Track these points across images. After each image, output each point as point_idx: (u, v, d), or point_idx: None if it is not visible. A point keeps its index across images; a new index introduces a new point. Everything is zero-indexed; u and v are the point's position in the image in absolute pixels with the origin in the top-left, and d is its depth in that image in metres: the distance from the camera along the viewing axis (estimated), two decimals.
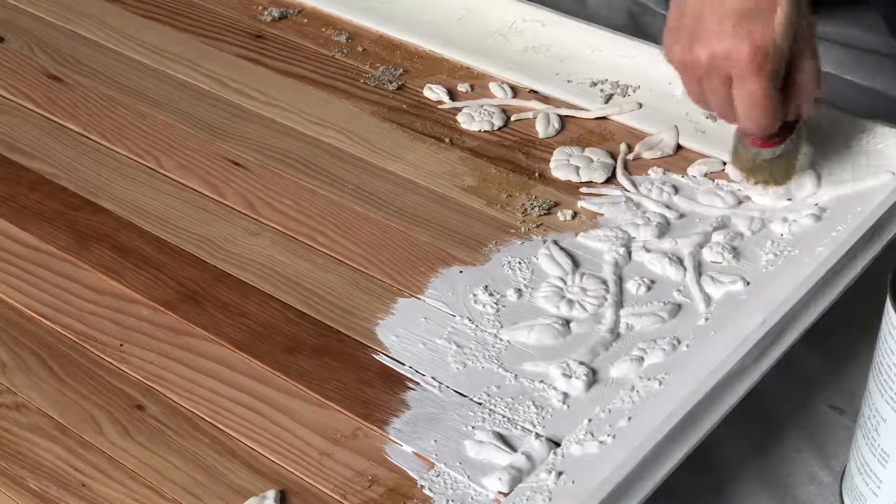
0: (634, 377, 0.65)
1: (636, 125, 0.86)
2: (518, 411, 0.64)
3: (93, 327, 0.70)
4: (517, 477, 0.59)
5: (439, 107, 0.88)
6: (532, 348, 0.68)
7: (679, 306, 0.70)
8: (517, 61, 0.92)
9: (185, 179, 0.81)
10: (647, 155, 0.83)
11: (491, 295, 0.71)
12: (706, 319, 0.69)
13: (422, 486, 0.60)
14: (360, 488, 0.60)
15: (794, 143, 0.75)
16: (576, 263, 0.73)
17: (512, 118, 0.87)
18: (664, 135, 0.84)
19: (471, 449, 0.61)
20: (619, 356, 0.67)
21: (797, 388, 0.72)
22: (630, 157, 0.82)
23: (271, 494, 0.59)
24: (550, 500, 0.58)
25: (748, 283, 0.71)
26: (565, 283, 0.72)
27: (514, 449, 0.61)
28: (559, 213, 0.77)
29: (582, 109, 0.87)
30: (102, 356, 0.68)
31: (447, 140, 0.85)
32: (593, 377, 0.65)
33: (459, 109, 0.88)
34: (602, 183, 0.80)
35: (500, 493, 0.59)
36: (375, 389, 0.65)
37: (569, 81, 0.90)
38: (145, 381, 0.66)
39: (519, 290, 0.71)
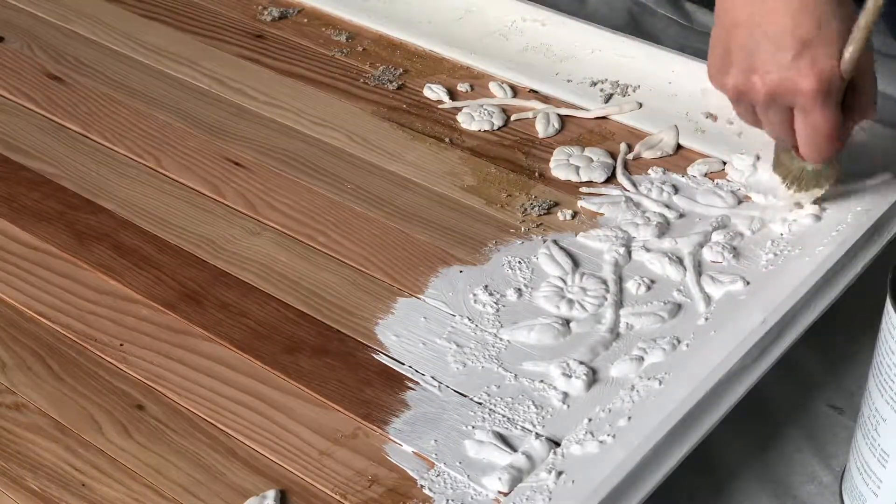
0: (634, 377, 0.65)
1: (636, 125, 0.86)
2: (518, 411, 0.64)
3: (93, 327, 0.70)
4: (517, 477, 0.59)
5: (439, 106, 0.88)
6: (532, 348, 0.68)
7: (679, 306, 0.70)
8: (517, 61, 0.92)
9: (185, 179, 0.81)
10: (646, 155, 0.83)
11: (491, 295, 0.71)
12: (706, 319, 0.69)
13: (422, 486, 0.60)
14: (360, 488, 0.60)
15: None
16: (576, 263, 0.73)
17: (512, 118, 0.87)
18: (664, 134, 0.84)
19: (471, 449, 0.62)
20: (619, 356, 0.67)
21: (797, 388, 0.72)
22: (630, 156, 0.82)
23: (271, 494, 0.59)
24: (550, 499, 0.58)
25: (748, 283, 0.71)
26: (565, 282, 0.72)
27: (514, 449, 0.61)
28: (559, 213, 0.77)
29: (582, 109, 0.87)
30: (102, 356, 0.68)
31: (447, 140, 0.85)
32: (593, 377, 0.65)
33: (459, 109, 0.88)
34: (602, 183, 0.80)
35: (499, 492, 0.59)
36: (375, 389, 0.65)
37: (569, 81, 0.90)
38: (145, 381, 0.66)
39: (519, 290, 0.71)
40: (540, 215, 0.77)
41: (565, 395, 0.64)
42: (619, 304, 0.70)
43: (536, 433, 0.62)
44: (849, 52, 0.66)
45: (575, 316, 0.70)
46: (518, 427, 0.63)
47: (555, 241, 0.75)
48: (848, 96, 0.70)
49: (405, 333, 0.69)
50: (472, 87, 0.90)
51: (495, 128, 0.86)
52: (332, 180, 0.81)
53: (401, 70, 0.92)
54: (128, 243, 0.76)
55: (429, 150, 0.84)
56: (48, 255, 0.75)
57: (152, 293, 0.72)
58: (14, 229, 0.77)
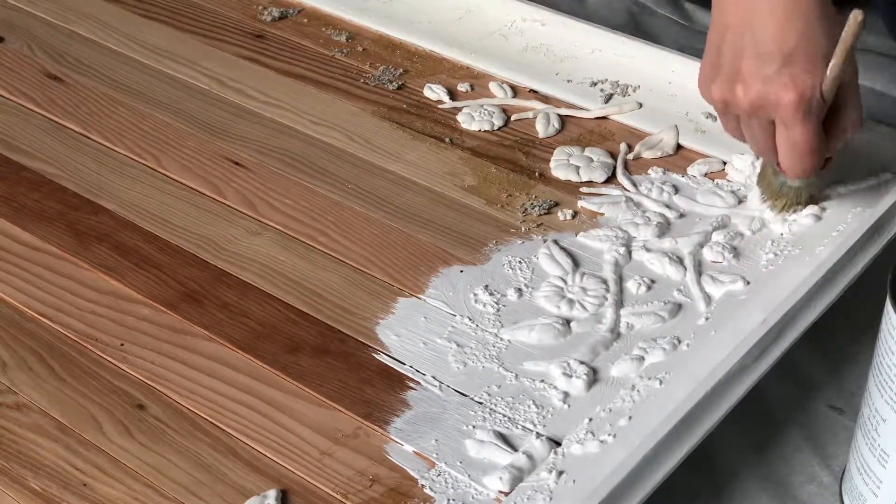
0: (635, 376, 0.65)
1: (636, 125, 0.86)
2: (519, 410, 0.64)
3: (93, 327, 0.70)
4: (518, 476, 0.59)
5: (439, 106, 0.88)
6: (532, 348, 0.68)
7: (679, 306, 0.70)
8: (517, 61, 0.92)
9: (185, 179, 0.82)
10: (647, 154, 0.83)
11: (491, 294, 0.71)
12: (706, 319, 0.69)
13: (423, 486, 0.60)
14: (361, 487, 0.60)
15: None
16: (576, 263, 0.73)
17: (512, 118, 0.87)
18: (664, 134, 0.84)
19: (471, 448, 0.62)
20: (619, 355, 0.67)
21: (797, 388, 0.72)
22: (630, 156, 0.83)
23: (272, 494, 0.59)
24: (551, 499, 0.58)
25: (748, 283, 0.71)
26: (566, 282, 0.72)
27: (514, 448, 0.61)
28: (559, 213, 0.78)
29: (582, 109, 0.87)
30: (103, 356, 0.68)
31: (447, 140, 0.85)
32: (594, 376, 0.65)
33: (459, 109, 0.88)
34: (602, 182, 0.80)
35: (500, 492, 0.59)
36: (376, 389, 0.65)
37: (569, 81, 0.90)
38: (146, 381, 0.66)
39: (519, 290, 0.71)
40: (540, 215, 0.77)
41: (566, 394, 0.64)
42: (619, 303, 0.70)
43: (537, 433, 0.62)
44: (829, 67, 0.66)
45: (575, 316, 0.70)
46: (519, 427, 0.63)
47: (555, 241, 0.75)
48: (831, 114, 0.69)
49: (406, 333, 0.69)
50: (472, 87, 0.90)
51: (495, 128, 0.86)
52: (332, 180, 0.81)
53: (401, 70, 0.92)
54: (128, 243, 0.76)
55: (429, 150, 0.84)
56: (49, 256, 0.75)
57: (153, 293, 0.72)
58: (15, 229, 0.77)
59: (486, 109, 0.87)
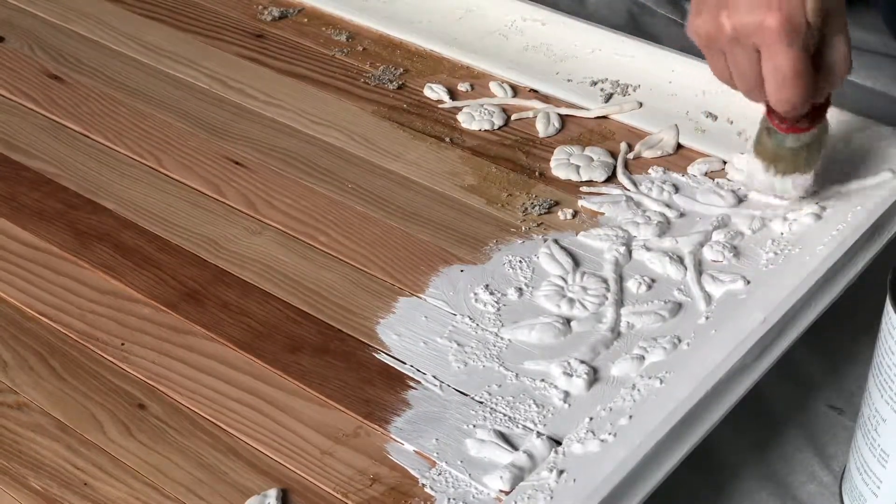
0: (635, 376, 0.65)
1: (636, 124, 0.86)
2: (519, 410, 0.64)
3: (94, 326, 0.70)
4: (518, 475, 0.59)
5: (439, 106, 0.88)
6: (533, 347, 0.68)
7: (679, 305, 0.70)
8: (517, 60, 0.92)
9: (185, 179, 0.82)
10: (647, 154, 0.83)
11: (492, 294, 0.71)
12: (707, 318, 0.69)
13: (423, 485, 0.60)
14: (362, 487, 0.60)
15: (820, 130, 0.73)
16: (576, 262, 0.73)
17: (512, 117, 0.87)
18: (664, 134, 0.84)
19: (472, 447, 0.62)
20: (619, 355, 0.67)
21: (797, 388, 0.72)
22: (630, 156, 0.83)
23: (273, 493, 0.60)
24: (552, 498, 0.58)
25: (748, 282, 0.71)
26: (566, 281, 0.72)
27: (515, 447, 0.61)
28: (559, 212, 0.78)
29: (582, 108, 0.87)
30: (104, 355, 0.68)
31: (447, 139, 0.85)
32: (594, 376, 0.65)
33: (460, 109, 0.88)
34: (602, 182, 0.80)
35: (501, 491, 0.59)
36: (377, 388, 0.65)
37: (569, 80, 0.90)
38: (147, 380, 0.66)
39: (520, 289, 0.71)
40: (540, 214, 0.78)
41: (566, 393, 0.64)
42: (619, 303, 0.70)
43: (538, 432, 0.62)
44: None
45: (576, 315, 0.70)
46: (519, 426, 0.63)
47: (555, 241, 0.75)
48: (818, 53, 0.68)
49: (406, 333, 0.69)
50: (472, 86, 0.90)
51: (496, 127, 0.86)
52: (332, 180, 0.81)
53: (401, 70, 0.92)
54: (129, 243, 0.76)
55: (429, 150, 0.84)
56: (49, 255, 0.75)
57: (153, 293, 0.72)
58: (15, 229, 0.77)
59: (486, 109, 0.87)
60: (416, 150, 0.84)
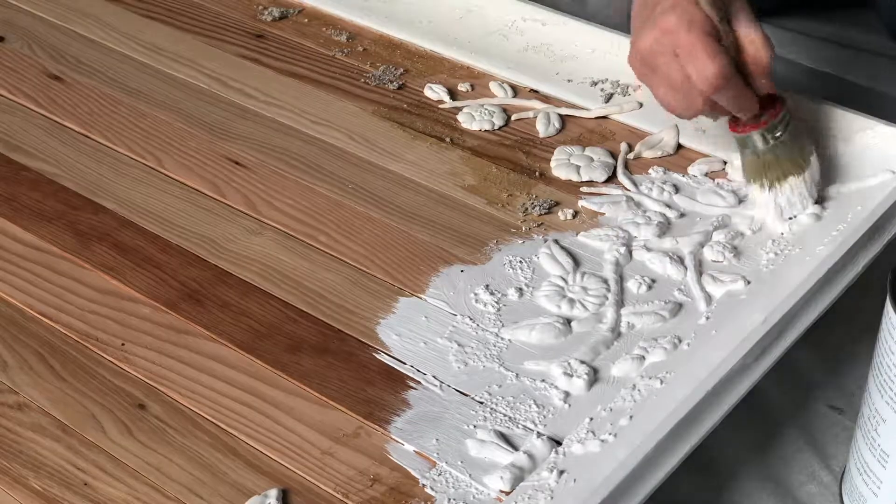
0: (636, 376, 0.65)
1: (637, 124, 0.86)
2: (519, 410, 0.64)
3: (94, 326, 0.70)
4: (519, 476, 0.59)
5: (440, 106, 0.88)
6: (533, 347, 0.68)
7: (680, 305, 0.70)
8: (517, 61, 0.92)
9: (185, 179, 0.82)
10: (647, 154, 0.83)
11: (492, 294, 0.71)
12: (707, 318, 0.69)
13: (423, 485, 0.60)
14: (362, 487, 0.60)
15: (784, 124, 0.74)
16: (577, 262, 0.73)
17: (512, 117, 0.87)
18: (665, 134, 0.84)
19: (472, 448, 0.62)
20: (620, 355, 0.67)
21: (797, 388, 0.72)
22: (630, 156, 0.83)
23: (273, 493, 0.60)
24: (552, 498, 0.58)
25: (749, 283, 0.71)
26: (566, 282, 0.72)
27: (515, 448, 0.61)
28: (560, 213, 0.78)
29: (582, 109, 0.87)
30: (104, 355, 0.68)
31: (448, 139, 0.85)
32: (594, 376, 0.65)
33: (460, 109, 0.88)
34: (603, 182, 0.80)
35: (501, 491, 0.59)
36: (377, 388, 0.65)
37: (569, 81, 0.90)
38: (147, 381, 0.66)
39: (520, 290, 0.71)
40: (541, 215, 0.78)
41: (567, 394, 0.64)
42: (620, 303, 0.70)
43: (538, 432, 0.62)
44: None
45: (576, 315, 0.70)
46: (519, 426, 0.63)
47: (556, 241, 0.75)
48: (740, 52, 0.71)
49: (406, 333, 0.69)
50: (472, 86, 0.90)
51: (496, 127, 0.86)
52: (332, 180, 0.81)
53: (401, 70, 0.92)
54: (129, 243, 0.76)
55: (429, 150, 0.84)
56: (49, 255, 0.75)
57: (153, 293, 0.72)
58: (15, 229, 0.77)
59: (486, 109, 0.87)
60: (417, 150, 0.84)
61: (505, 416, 0.63)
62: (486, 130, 0.86)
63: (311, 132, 0.86)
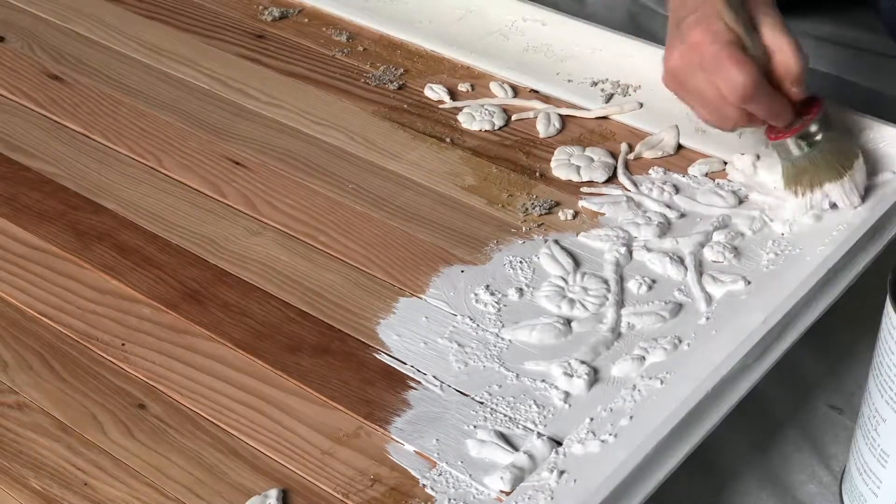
0: (636, 376, 0.65)
1: (637, 125, 0.86)
2: (520, 410, 0.64)
3: (94, 326, 0.70)
4: (519, 476, 0.59)
5: (440, 106, 0.88)
6: (533, 347, 0.68)
7: (680, 305, 0.70)
8: (518, 61, 0.92)
9: (186, 179, 0.82)
10: (647, 154, 0.83)
11: (492, 294, 0.71)
12: (707, 319, 0.69)
13: (424, 486, 0.60)
14: (362, 487, 0.60)
15: (823, 131, 0.74)
16: (577, 263, 0.73)
17: (513, 118, 0.87)
18: (665, 134, 0.84)
19: (472, 448, 0.62)
20: (620, 355, 0.67)
21: (797, 388, 0.72)
22: (631, 156, 0.83)
23: (273, 493, 0.60)
24: (552, 498, 0.58)
25: (749, 283, 0.71)
26: (566, 282, 0.72)
27: (515, 448, 0.61)
28: (560, 213, 0.78)
29: (583, 109, 0.87)
30: (104, 355, 0.68)
31: (448, 139, 0.85)
32: (595, 376, 0.65)
33: (460, 109, 0.88)
34: (603, 182, 0.80)
35: (501, 491, 0.59)
36: (377, 389, 0.65)
37: (569, 81, 0.90)
38: (147, 381, 0.66)
39: (520, 290, 0.71)
40: (541, 215, 0.78)
41: (567, 394, 0.64)
42: (620, 303, 0.70)
43: (538, 432, 0.62)
44: None
45: (576, 315, 0.70)
46: (520, 426, 0.63)
47: (556, 241, 0.75)
48: (771, 61, 0.71)
49: (407, 333, 0.69)
50: (472, 86, 0.90)
51: (496, 128, 0.86)
52: (333, 180, 0.81)
53: (402, 70, 0.92)
54: (129, 243, 0.76)
55: (430, 150, 0.84)
56: (50, 255, 0.75)
57: (154, 293, 0.72)
58: (15, 229, 0.77)
59: (486, 109, 0.87)
60: (417, 150, 0.84)
61: (505, 416, 0.63)
62: (486, 130, 0.86)
63: (312, 132, 0.86)
